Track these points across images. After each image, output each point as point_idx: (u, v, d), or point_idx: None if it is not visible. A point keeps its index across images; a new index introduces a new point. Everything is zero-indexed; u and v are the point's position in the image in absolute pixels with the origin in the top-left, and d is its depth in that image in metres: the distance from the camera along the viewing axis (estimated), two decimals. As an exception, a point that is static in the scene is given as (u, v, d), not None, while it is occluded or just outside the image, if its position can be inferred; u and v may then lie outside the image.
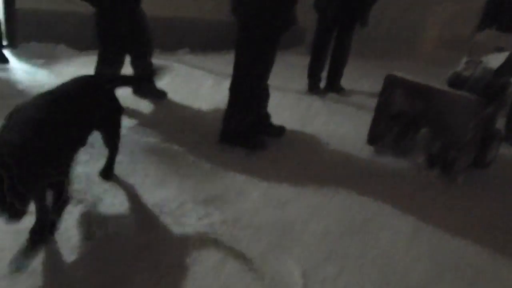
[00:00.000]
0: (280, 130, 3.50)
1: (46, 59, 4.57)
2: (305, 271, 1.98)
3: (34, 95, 1.87)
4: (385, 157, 3.33)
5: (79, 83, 2.07)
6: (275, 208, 2.47)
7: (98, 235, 2.02)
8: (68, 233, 2.01)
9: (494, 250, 2.35)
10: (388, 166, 3.22)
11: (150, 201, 2.35)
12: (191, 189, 2.54)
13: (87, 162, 2.62)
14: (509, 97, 3.46)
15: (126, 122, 3.32)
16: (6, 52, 4.50)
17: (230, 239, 2.14)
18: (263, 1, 2.87)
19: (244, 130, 3.14)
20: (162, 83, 4.10)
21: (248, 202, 2.50)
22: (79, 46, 4.97)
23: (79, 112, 1.92)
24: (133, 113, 3.54)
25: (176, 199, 2.41)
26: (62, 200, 1.86)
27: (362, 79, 5.54)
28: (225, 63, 3.52)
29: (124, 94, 3.74)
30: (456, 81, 3.18)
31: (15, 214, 1.49)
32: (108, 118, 2.28)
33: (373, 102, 3.47)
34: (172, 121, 3.49)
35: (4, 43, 4.64)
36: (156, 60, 4.12)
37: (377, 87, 3.42)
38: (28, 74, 4.11)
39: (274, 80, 3.28)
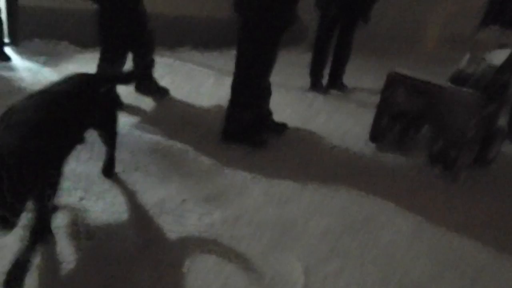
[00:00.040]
0: (282, 127, 3.50)
1: (48, 57, 4.57)
2: (306, 269, 1.98)
3: (28, 94, 1.85)
4: (387, 155, 3.32)
5: (74, 81, 2.06)
6: (277, 206, 2.47)
7: (98, 234, 2.02)
8: (69, 227, 2.01)
9: (496, 249, 2.35)
10: (390, 164, 3.21)
11: (151, 200, 2.35)
12: (192, 187, 2.54)
13: (87, 161, 2.62)
14: (512, 95, 3.45)
15: (128, 120, 3.34)
16: (8, 50, 4.50)
17: (231, 237, 2.14)
18: (265, -1, 2.87)
19: (246, 128, 3.14)
20: (164, 80, 4.10)
21: (250, 200, 2.50)
22: (82, 44, 4.97)
23: (75, 110, 1.90)
24: (135, 111, 3.54)
25: (177, 197, 2.41)
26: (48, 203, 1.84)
27: (364, 76, 5.52)
28: (227, 60, 3.52)
29: (126, 92, 3.77)
30: (459, 78, 3.16)
31: (5, 226, 1.47)
32: (104, 116, 2.26)
33: (375, 100, 3.46)
34: (174, 119, 3.49)
35: (6, 40, 4.64)
36: (158, 58, 4.14)
37: (379, 84, 3.42)
38: (31, 71, 4.12)
39: (276, 77, 3.28)
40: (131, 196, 2.36)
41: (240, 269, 1.93)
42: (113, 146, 2.46)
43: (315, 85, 4.82)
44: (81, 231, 2.02)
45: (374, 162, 3.21)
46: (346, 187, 2.76)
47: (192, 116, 3.61)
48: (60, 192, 2.18)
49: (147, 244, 2.00)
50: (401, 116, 3.29)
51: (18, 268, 1.61)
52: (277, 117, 3.51)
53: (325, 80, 4.93)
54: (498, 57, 3.08)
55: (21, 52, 4.60)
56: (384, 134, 3.39)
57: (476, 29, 3.85)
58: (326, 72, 4.92)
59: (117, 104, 3.53)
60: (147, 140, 3.05)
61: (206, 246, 2.04)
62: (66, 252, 1.88)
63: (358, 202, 2.62)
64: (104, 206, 2.24)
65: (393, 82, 3.26)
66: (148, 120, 3.40)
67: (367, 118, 3.50)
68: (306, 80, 4.84)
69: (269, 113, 3.45)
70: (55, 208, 2.02)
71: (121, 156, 2.74)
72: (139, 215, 2.21)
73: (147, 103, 3.78)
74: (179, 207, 2.32)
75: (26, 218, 1.66)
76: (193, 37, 6.03)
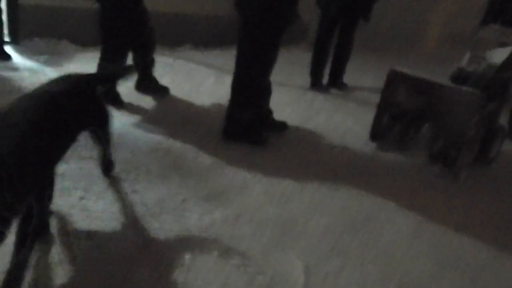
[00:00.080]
0: (282, 126, 3.50)
1: (49, 56, 4.57)
2: (307, 268, 1.98)
3: (23, 94, 1.82)
4: (387, 154, 3.33)
5: (68, 81, 2.03)
6: (277, 205, 2.47)
7: (98, 234, 2.02)
8: (70, 226, 2.02)
9: (496, 248, 2.35)
10: (390, 163, 3.21)
11: (151, 199, 2.35)
12: (192, 186, 2.54)
13: (87, 161, 2.62)
14: (513, 93, 3.45)
15: (128, 119, 3.34)
16: (9, 49, 4.50)
17: (231, 236, 2.14)
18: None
19: (246, 127, 3.14)
20: (164, 79, 4.10)
21: (250, 199, 2.50)
22: (82, 42, 4.97)
23: (72, 110, 1.87)
24: (135, 110, 3.55)
25: (177, 196, 2.41)
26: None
27: (365, 75, 5.53)
28: (227, 59, 3.52)
29: (126, 91, 3.78)
30: (459, 77, 3.16)
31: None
32: (98, 115, 2.24)
33: (375, 98, 3.46)
34: (174, 118, 3.49)
35: (7, 39, 4.64)
36: (159, 57, 4.14)
37: (380, 83, 3.42)
38: (31, 70, 4.11)
39: (276, 76, 3.28)
40: (131, 195, 2.36)
41: (240, 268, 1.93)
42: (108, 145, 2.43)
43: (316, 84, 4.82)
44: (81, 231, 2.02)
45: (374, 161, 3.21)
46: (346, 186, 2.76)
47: (192, 115, 3.61)
48: (60, 191, 2.20)
49: (147, 244, 2.00)
50: (402, 115, 3.29)
51: (17, 268, 1.61)
52: (278, 116, 3.51)
53: (325, 79, 4.94)
54: (498, 56, 3.08)
55: (21, 51, 4.60)
56: (384, 133, 3.40)
57: (477, 28, 3.84)
58: (327, 71, 4.92)
59: (116, 101, 3.56)
60: (147, 139, 3.05)
61: (206, 245, 2.04)
62: (66, 251, 1.88)
63: (358, 201, 2.62)
64: (104, 205, 2.24)
65: (394, 81, 3.26)
66: (148, 119, 3.40)
67: (368, 117, 3.50)
68: (307, 79, 4.84)
69: (270, 112, 3.46)
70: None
71: (121, 155, 2.74)
72: (139, 214, 2.21)
73: (147, 102, 3.78)
74: (179, 206, 2.32)
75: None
76: (193, 36, 6.04)
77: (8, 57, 4.31)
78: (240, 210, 2.36)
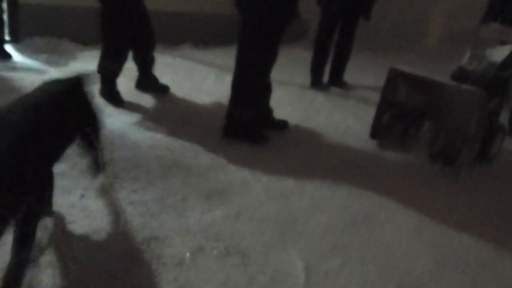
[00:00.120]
0: (283, 124, 3.50)
1: (49, 54, 4.57)
2: (308, 264, 1.99)
3: (19, 97, 1.79)
4: (388, 152, 3.33)
5: (54, 88, 1.96)
6: (278, 202, 2.48)
7: (98, 233, 2.02)
8: (69, 226, 2.02)
9: (497, 246, 2.35)
10: (390, 161, 3.21)
11: (151, 197, 2.35)
12: (193, 184, 2.54)
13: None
14: (513, 91, 3.45)
15: (129, 117, 3.34)
16: (9, 48, 4.50)
17: (232, 234, 2.14)
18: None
19: (247, 125, 3.14)
20: (164, 78, 4.11)
21: (250, 197, 2.50)
22: (83, 41, 4.97)
23: (61, 114, 1.83)
24: (136, 108, 3.55)
25: (178, 194, 2.41)
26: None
27: (366, 73, 5.53)
28: (228, 58, 3.52)
29: (126, 89, 3.78)
30: (460, 75, 3.16)
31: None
32: (87, 118, 2.15)
33: (376, 97, 3.46)
34: (175, 116, 3.49)
35: (7, 38, 4.65)
36: (159, 55, 4.14)
37: (381, 81, 3.41)
38: (31, 69, 4.11)
39: (277, 74, 3.28)
40: (131, 194, 2.36)
41: (241, 266, 1.93)
42: (100, 147, 2.32)
43: (316, 83, 4.82)
44: (81, 230, 2.02)
45: (374, 160, 3.21)
46: (346, 185, 2.76)
47: (192, 114, 3.61)
48: (60, 190, 2.20)
49: (148, 242, 2.00)
50: (402, 113, 3.29)
51: (17, 268, 1.60)
52: (278, 114, 3.51)
53: (325, 78, 4.93)
54: (499, 54, 3.08)
55: (22, 50, 4.60)
56: (385, 131, 3.39)
57: (477, 27, 3.84)
58: (327, 70, 4.92)
59: (117, 100, 3.55)
60: (147, 137, 3.05)
61: (207, 244, 2.04)
62: (66, 251, 1.88)
63: (358, 200, 2.62)
64: (105, 203, 2.24)
65: (394, 79, 3.26)
66: (148, 117, 3.40)
67: (368, 116, 3.50)
68: (307, 78, 4.84)
69: (270, 111, 3.46)
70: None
71: (121, 154, 2.75)
72: (140, 212, 2.21)
73: (147, 101, 3.78)
74: (179, 205, 2.32)
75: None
76: (194, 34, 6.04)
77: (8, 56, 4.31)
78: (240, 208, 2.36)
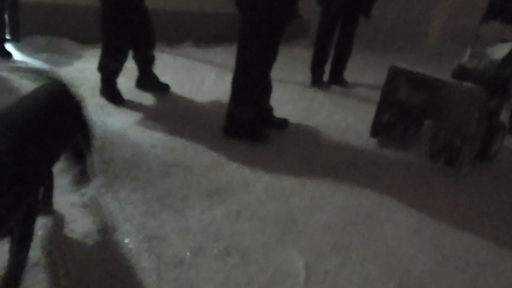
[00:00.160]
0: (283, 122, 3.50)
1: (49, 53, 4.57)
2: (308, 263, 1.99)
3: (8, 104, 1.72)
4: (388, 150, 3.32)
5: (46, 91, 1.90)
6: (278, 201, 2.48)
7: (99, 231, 2.02)
8: (69, 226, 2.02)
9: (497, 245, 2.35)
10: (391, 159, 3.21)
11: (152, 195, 2.35)
12: (193, 183, 2.54)
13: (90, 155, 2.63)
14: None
15: (129, 116, 3.34)
16: (9, 46, 4.50)
17: (233, 232, 2.14)
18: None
19: (247, 124, 3.14)
20: (165, 77, 4.11)
21: (251, 195, 2.50)
22: (83, 40, 4.97)
23: (56, 124, 1.77)
24: (136, 107, 3.55)
25: (178, 192, 2.41)
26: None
27: (366, 71, 5.53)
28: (228, 56, 3.52)
29: (127, 88, 3.78)
30: (461, 73, 3.16)
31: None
32: (78, 125, 2.06)
33: (376, 95, 3.46)
34: (175, 115, 3.49)
35: (7, 37, 4.64)
36: (159, 54, 4.14)
37: (381, 79, 3.41)
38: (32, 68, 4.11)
39: (277, 73, 3.27)
40: (132, 192, 2.36)
41: (241, 265, 1.93)
42: (89, 155, 2.25)
43: (316, 81, 4.82)
44: (81, 229, 2.02)
45: (375, 159, 3.21)
46: (347, 183, 2.76)
47: (193, 113, 3.61)
48: (61, 189, 2.20)
49: (148, 239, 2.00)
50: (403, 111, 3.29)
51: (16, 268, 1.60)
52: (278, 112, 3.51)
53: (326, 76, 4.93)
54: (499, 52, 3.08)
55: (22, 49, 4.60)
56: (385, 129, 3.39)
57: (477, 26, 3.84)
58: (327, 68, 4.92)
59: (117, 99, 3.55)
60: (148, 136, 3.05)
61: (207, 243, 2.04)
62: (66, 250, 1.89)
63: (359, 198, 2.62)
64: (106, 202, 2.24)
65: (395, 77, 3.26)
66: (149, 116, 3.40)
67: (369, 114, 3.49)
68: (307, 76, 4.84)
69: (270, 109, 3.45)
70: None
71: (122, 153, 2.75)
72: (140, 210, 2.21)
73: (148, 99, 3.78)
74: (180, 204, 2.32)
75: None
76: (194, 33, 6.04)
77: (9, 55, 4.31)
78: (240, 208, 2.36)
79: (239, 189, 2.54)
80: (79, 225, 2.03)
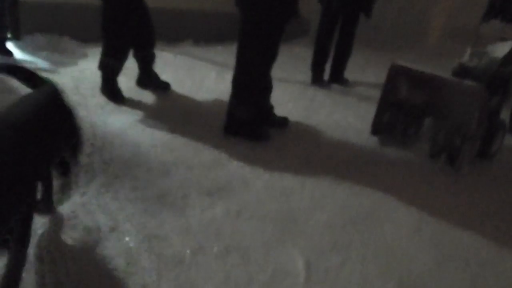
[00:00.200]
0: (284, 121, 3.50)
1: (50, 51, 4.57)
2: (308, 262, 1.99)
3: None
4: (389, 149, 3.32)
5: (41, 94, 1.85)
6: (279, 199, 2.48)
7: (99, 230, 2.02)
8: (69, 225, 2.02)
9: (498, 244, 2.35)
10: (392, 158, 3.21)
11: (152, 194, 2.35)
12: (193, 181, 2.54)
13: (89, 155, 2.63)
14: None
15: (129, 114, 3.34)
16: (10, 45, 4.50)
17: (233, 231, 2.14)
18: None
19: (248, 122, 3.14)
20: (165, 75, 4.10)
21: (252, 193, 2.50)
22: (84, 38, 4.97)
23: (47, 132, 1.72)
24: (136, 105, 3.55)
25: (178, 191, 2.41)
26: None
27: (367, 70, 5.52)
28: (229, 55, 3.52)
29: (127, 86, 3.78)
30: (461, 72, 3.16)
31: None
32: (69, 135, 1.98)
33: (377, 94, 3.45)
34: (175, 113, 3.49)
35: (8, 35, 4.64)
36: (160, 52, 4.14)
37: (381, 78, 3.40)
38: (32, 66, 4.11)
39: (278, 71, 3.27)
40: (132, 189, 2.36)
41: (241, 264, 1.93)
42: (75, 164, 2.16)
43: (317, 80, 4.81)
44: (81, 227, 2.02)
45: (375, 157, 3.21)
46: (347, 182, 2.76)
47: (193, 111, 3.61)
48: (61, 187, 2.20)
49: (149, 239, 2.00)
50: (403, 109, 3.28)
51: (16, 268, 1.60)
52: (279, 111, 3.51)
53: (326, 75, 4.93)
54: (500, 50, 3.08)
55: (22, 47, 4.60)
56: (386, 127, 3.39)
57: (478, 24, 3.84)
58: (328, 67, 4.92)
59: (117, 97, 3.56)
60: (148, 135, 3.05)
61: (207, 242, 2.04)
62: (66, 249, 1.89)
63: (359, 197, 2.62)
64: (107, 199, 2.24)
65: (395, 75, 3.25)
66: (149, 114, 3.40)
67: (369, 113, 3.49)
68: (308, 75, 4.84)
69: (271, 108, 3.45)
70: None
71: (122, 151, 2.75)
72: (141, 209, 2.21)
73: (148, 98, 3.78)
74: (180, 202, 2.32)
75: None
76: (195, 32, 6.03)
77: (9, 53, 4.31)
78: (241, 206, 2.36)
79: (239, 188, 2.54)
80: (79, 224, 2.03)
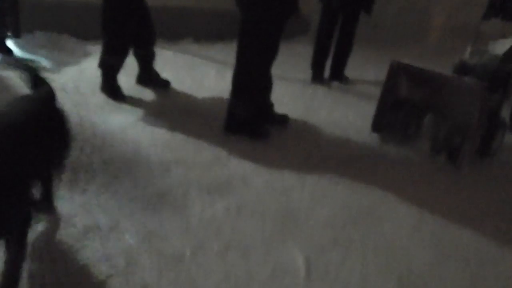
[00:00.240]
0: (284, 119, 3.50)
1: (49, 49, 4.56)
2: (308, 258, 1.99)
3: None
4: (389, 146, 3.32)
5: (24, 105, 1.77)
6: (279, 197, 2.48)
7: (99, 227, 2.02)
8: (71, 221, 2.02)
9: (498, 240, 2.35)
10: (392, 155, 3.21)
11: (152, 191, 2.35)
12: (195, 177, 2.55)
13: (90, 153, 2.63)
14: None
15: (130, 112, 3.34)
16: (10, 43, 4.49)
17: (233, 227, 2.15)
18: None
19: (248, 119, 3.14)
20: (165, 73, 4.10)
21: (252, 191, 2.51)
22: (83, 36, 4.96)
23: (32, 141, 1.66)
24: (137, 103, 3.55)
25: (179, 188, 2.41)
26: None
27: (367, 68, 5.51)
28: (229, 53, 3.51)
29: (127, 84, 3.77)
30: (462, 69, 3.15)
31: None
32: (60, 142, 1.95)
33: (377, 92, 3.45)
34: (176, 111, 3.49)
35: (8, 33, 4.63)
36: (160, 50, 4.13)
37: (382, 76, 3.40)
38: (32, 65, 4.10)
39: (278, 69, 3.27)
40: (132, 188, 2.36)
41: (241, 261, 1.93)
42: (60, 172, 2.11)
43: (317, 78, 4.81)
44: (82, 224, 2.03)
45: (375, 154, 3.21)
46: (348, 177, 2.76)
47: (193, 109, 3.61)
48: (61, 185, 2.20)
49: (149, 236, 2.00)
50: (404, 106, 3.28)
51: (15, 267, 1.59)
52: (279, 109, 3.50)
53: (327, 73, 4.92)
54: (501, 47, 3.07)
55: (22, 45, 4.59)
56: (386, 124, 3.38)
57: (478, 23, 3.83)
58: (328, 64, 4.91)
59: (118, 95, 3.56)
60: (149, 132, 3.05)
61: (208, 238, 2.04)
62: (66, 246, 1.89)
63: (359, 194, 2.62)
64: (107, 197, 2.24)
65: (396, 72, 3.25)
66: (149, 113, 3.40)
67: (369, 110, 3.49)
68: (308, 73, 4.83)
69: (271, 105, 3.45)
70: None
71: (123, 149, 2.75)
72: (141, 206, 2.21)
73: (148, 96, 3.78)
74: (180, 199, 2.33)
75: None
76: (195, 29, 6.02)
77: (9, 51, 4.30)
78: (241, 202, 2.36)
79: (240, 186, 2.54)
80: (79, 223, 2.03)
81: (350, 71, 5.02)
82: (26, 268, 1.67)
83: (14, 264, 1.57)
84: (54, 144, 1.87)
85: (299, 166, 2.85)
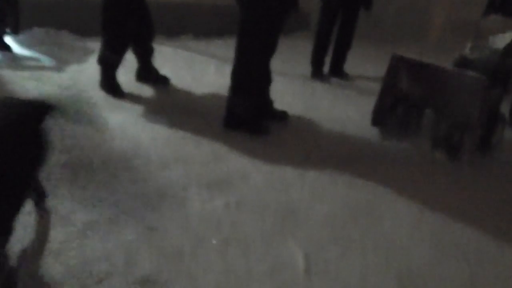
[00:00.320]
0: (283, 115, 3.49)
1: (49, 46, 4.56)
2: (308, 254, 1.99)
3: None
4: (389, 141, 3.31)
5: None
6: (279, 192, 2.48)
7: (100, 224, 2.02)
8: (71, 217, 2.02)
9: (498, 236, 2.34)
10: (392, 151, 3.20)
11: (152, 187, 2.35)
12: (194, 173, 2.55)
13: (90, 150, 2.63)
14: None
15: (129, 108, 3.34)
16: (8, 39, 4.49)
17: (233, 223, 2.14)
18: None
19: (247, 115, 3.13)
20: (165, 69, 4.10)
21: (252, 186, 2.50)
22: (82, 32, 4.95)
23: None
24: (136, 99, 3.54)
25: (178, 184, 2.41)
26: None
27: (366, 64, 5.50)
28: (228, 49, 3.51)
29: (127, 80, 3.77)
30: (462, 64, 3.14)
31: None
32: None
33: (377, 87, 3.44)
34: (175, 107, 3.49)
35: (7, 30, 4.62)
36: (159, 46, 4.13)
37: (381, 72, 3.39)
38: (31, 60, 4.10)
39: (277, 65, 3.26)
40: (132, 184, 2.36)
41: (241, 256, 1.93)
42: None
43: (317, 73, 4.80)
44: (81, 221, 2.02)
45: (375, 150, 3.20)
46: (348, 172, 2.76)
47: (193, 105, 3.60)
48: (60, 181, 2.20)
49: (149, 232, 2.00)
50: (404, 100, 3.27)
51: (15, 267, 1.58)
52: (278, 105, 3.50)
53: (326, 68, 4.92)
54: (502, 41, 3.06)
55: (21, 42, 4.59)
56: (386, 118, 3.37)
57: (479, 19, 3.82)
58: (328, 60, 4.90)
59: (117, 92, 3.55)
60: (148, 128, 3.05)
61: (207, 234, 2.04)
62: (65, 243, 1.89)
63: (359, 190, 2.61)
64: (106, 195, 2.24)
65: (396, 66, 3.24)
66: (149, 109, 3.40)
67: (369, 106, 3.47)
68: (308, 68, 4.82)
69: (270, 102, 3.45)
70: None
71: (122, 145, 2.75)
72: (141, 202, 2.21)
73: (148, 92, 3.78)
74: (180, 194, 2.32)
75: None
76: (194, 25, 6.01)
77: (8, 48, 4.30)
78: (240, 199, 2.36)
79: (239, 181, 2.54)
80: (79, 220, 2.03)
81: (350, 67, 5.01)
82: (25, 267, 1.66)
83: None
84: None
85: (298, 162, 2.85)
